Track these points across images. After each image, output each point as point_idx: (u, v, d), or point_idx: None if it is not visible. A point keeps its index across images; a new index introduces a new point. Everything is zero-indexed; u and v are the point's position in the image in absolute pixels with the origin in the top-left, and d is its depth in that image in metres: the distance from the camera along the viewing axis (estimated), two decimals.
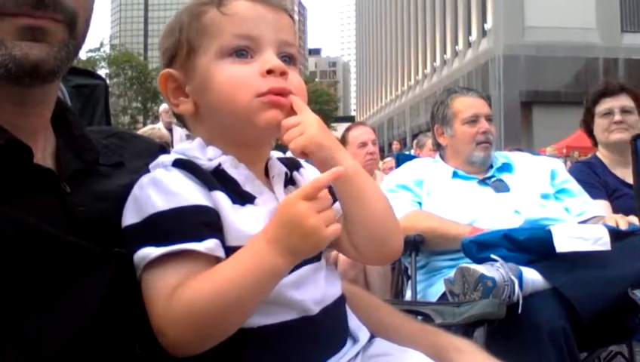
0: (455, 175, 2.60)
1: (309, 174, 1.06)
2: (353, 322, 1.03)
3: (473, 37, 31.14)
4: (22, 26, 0.79)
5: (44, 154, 0.91)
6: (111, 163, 1.00)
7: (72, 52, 0.85)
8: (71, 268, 0.81)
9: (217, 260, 0.86)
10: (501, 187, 2.54)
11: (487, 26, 29.01)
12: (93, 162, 0.97)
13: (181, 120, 1.06)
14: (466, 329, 1.64)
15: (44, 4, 0.80)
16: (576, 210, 2.50)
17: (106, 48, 51.41)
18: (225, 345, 0.84)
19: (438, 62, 37.48)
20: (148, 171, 0.93)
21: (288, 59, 0.99)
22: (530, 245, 2.02)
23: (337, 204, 0.95)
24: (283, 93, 0.94)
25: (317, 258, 0.96)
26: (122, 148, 1.07)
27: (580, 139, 12.53)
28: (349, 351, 0.97)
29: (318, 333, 0.94)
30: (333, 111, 69.05)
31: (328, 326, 0.96)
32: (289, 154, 1.07)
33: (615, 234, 2.03)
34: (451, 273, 2.00)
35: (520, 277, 1.88)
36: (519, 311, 1.83)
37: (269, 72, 0.94)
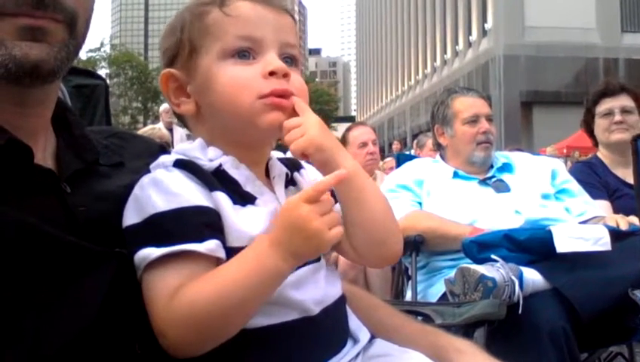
0: (455, 175, 2.59)
1: (309, 175, 1.06)
2: (353, 322, 1.03)
3: (473, 37, 31.12)
4: (22, 26, 0.79)
5: (44, 154, 0.91)
6: (111, 163, 1.00)
7: (72, 52, 0.85)
8: (71, 268, 0.81)
9: (218, 261, 0.86)
10: (501, 187, 2.54)
11: (488, 25, 28.99)
12: (94, 162, 0.97)
13: (182, 120, 1.05)
14: (466, 330, 1.64)
15: (44, 4, 0.80)
16: (576, 211, 2.50)
17: (107, 48, 51.41)
18: (226, 345, 0.84)
19: (438, 62, 37.46)
20: (148, 171, 0.93)
21: (290, 60, 0.99)
22: (531, 245, 2.01)
23: (337, 205, 0.95)
24: (285, 94, 0.94)
25: (317, 258, 0.96)
26: (122, 148, 1.06)
27: (580, 139, 12.52)
28: (349, 351, 0.97)
29: (319, 334, 0.94)
30: (334, 111, 68.99)
31: (329, 327, 0.96)
32: (289, 154, 1.07)
33: (615, 234, 2.03)
34: (452, 273, 1.99)
35: (520, 278, 1.88)
36: (519, 311, 1.83)
37: (272, 73, 0.94)
